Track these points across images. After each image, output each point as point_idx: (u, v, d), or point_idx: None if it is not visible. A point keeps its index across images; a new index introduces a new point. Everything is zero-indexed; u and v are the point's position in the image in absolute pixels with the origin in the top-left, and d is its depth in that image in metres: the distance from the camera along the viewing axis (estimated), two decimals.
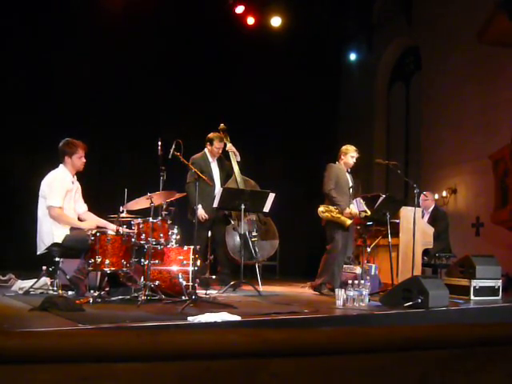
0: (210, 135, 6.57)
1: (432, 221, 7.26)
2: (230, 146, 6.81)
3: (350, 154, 6.17)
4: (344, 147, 6.28)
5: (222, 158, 6.73)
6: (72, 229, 4.89)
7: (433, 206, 7.54)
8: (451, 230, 7.65)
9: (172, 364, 1.32)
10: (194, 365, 1.33)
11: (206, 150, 6.60)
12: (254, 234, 6.49)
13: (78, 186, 5.22)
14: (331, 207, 5.88)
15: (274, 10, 10.06)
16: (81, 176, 5.33)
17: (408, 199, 7.92)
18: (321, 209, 5.92)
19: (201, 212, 6.19)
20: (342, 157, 6.21)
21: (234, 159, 6.79)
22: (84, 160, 5.12)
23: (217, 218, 6.50)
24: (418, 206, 6.59)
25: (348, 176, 6.17)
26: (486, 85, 8.99)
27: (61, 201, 4.88)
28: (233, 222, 6.49)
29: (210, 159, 6.56)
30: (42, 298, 4.03)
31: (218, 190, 6.09)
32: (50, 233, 4.83)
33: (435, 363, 1.55)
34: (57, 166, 5.12)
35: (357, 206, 5.95)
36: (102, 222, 5.12)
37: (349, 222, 5.82)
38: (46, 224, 4.88)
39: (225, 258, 6.57)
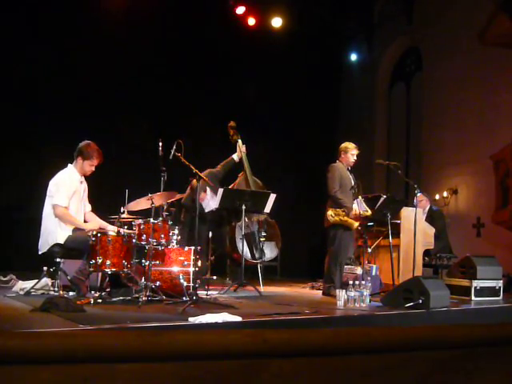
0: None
1: (430, 221, 7.22)
2: (243, 149, 6.72)
3: (350, 152, 6.06)
4: (343, 145, 6.15)
5: None
6: (74, 230, 4.90)
7: (428, 206, 7.50)
8: (452, 230, 7.63)
9: (173, 364, 1.32)
10: (195, 365, 1.33)
11: None
12: (264, 234, 6.49)
13: (85, 186, 5.22)
14: (339, 210, 5.81)
15: (274, 11, 10.08)
16: None
17: (409, 200, 7.90)
18: (330, 213, 5.83)
19: None
20: (343, 155, 6.10)
21: (247, 159, 6.75)
22: (93, 169, 5.13)
23: (217, 218, 6.49)
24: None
25: (350, 174, 6.09)
26: (486, 85, 8.98)
27: (66, 201, 4.89)
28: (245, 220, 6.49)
29: None
30: (42, 298, 4.03)
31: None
32: (54, 232, 4.84)
33: (436, 364, 1.55)
34: (60, 167, 5.12)
35: (358, 206, 5.92)
36: (104, 225, 5.12)
37: (356, 224, 5.78)
38: (50, 224, 4.87)
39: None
